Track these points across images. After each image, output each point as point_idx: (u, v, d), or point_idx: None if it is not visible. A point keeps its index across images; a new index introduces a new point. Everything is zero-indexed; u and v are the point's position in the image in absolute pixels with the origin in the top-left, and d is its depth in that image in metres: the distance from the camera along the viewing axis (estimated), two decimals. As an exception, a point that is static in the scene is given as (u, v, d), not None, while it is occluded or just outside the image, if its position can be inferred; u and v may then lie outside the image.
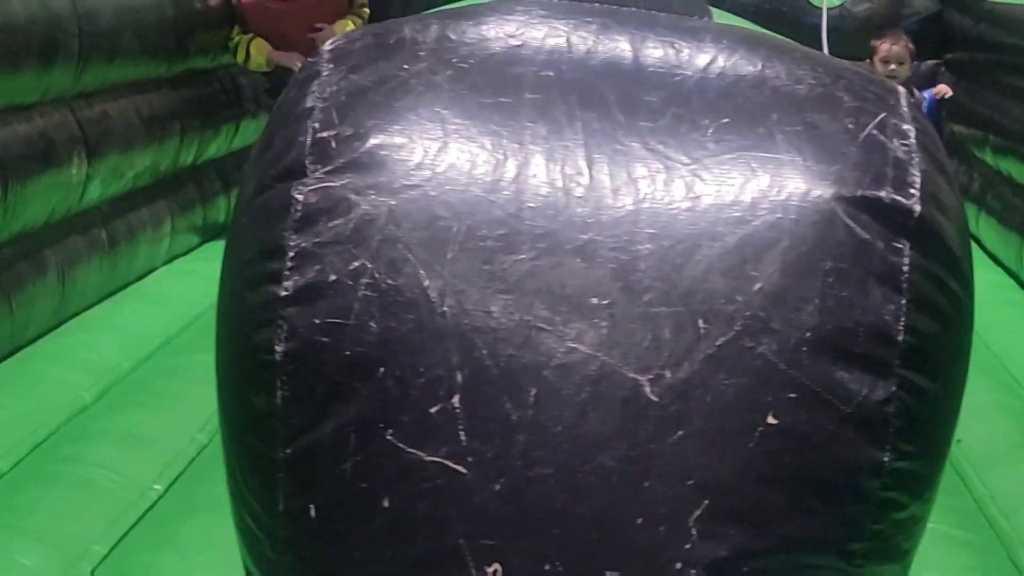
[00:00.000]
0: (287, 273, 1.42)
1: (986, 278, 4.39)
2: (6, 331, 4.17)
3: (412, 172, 1.36)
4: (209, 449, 3.80)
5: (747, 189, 1.39)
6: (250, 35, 5.51)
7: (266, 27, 5.49)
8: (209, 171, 5.65)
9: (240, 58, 5.50)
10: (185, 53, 5.37)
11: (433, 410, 1.42)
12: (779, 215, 1.40)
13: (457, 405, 1.42)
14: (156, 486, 3.57)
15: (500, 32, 1.45)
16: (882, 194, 1.41)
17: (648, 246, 1.37)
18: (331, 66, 1.43)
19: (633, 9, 1.55)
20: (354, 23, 5.45)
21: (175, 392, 4.07)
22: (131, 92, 5.09)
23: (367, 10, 5.57)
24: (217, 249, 5.70)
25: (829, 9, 6.15)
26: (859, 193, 1.41)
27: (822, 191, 1.41)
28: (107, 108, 4.89)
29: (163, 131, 5.19)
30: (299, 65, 5.45)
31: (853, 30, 6.64)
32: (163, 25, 5.20)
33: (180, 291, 4.91)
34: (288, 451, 1.45)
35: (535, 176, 1.36)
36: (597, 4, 1.53)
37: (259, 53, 5.49)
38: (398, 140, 1.37)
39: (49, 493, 3.47)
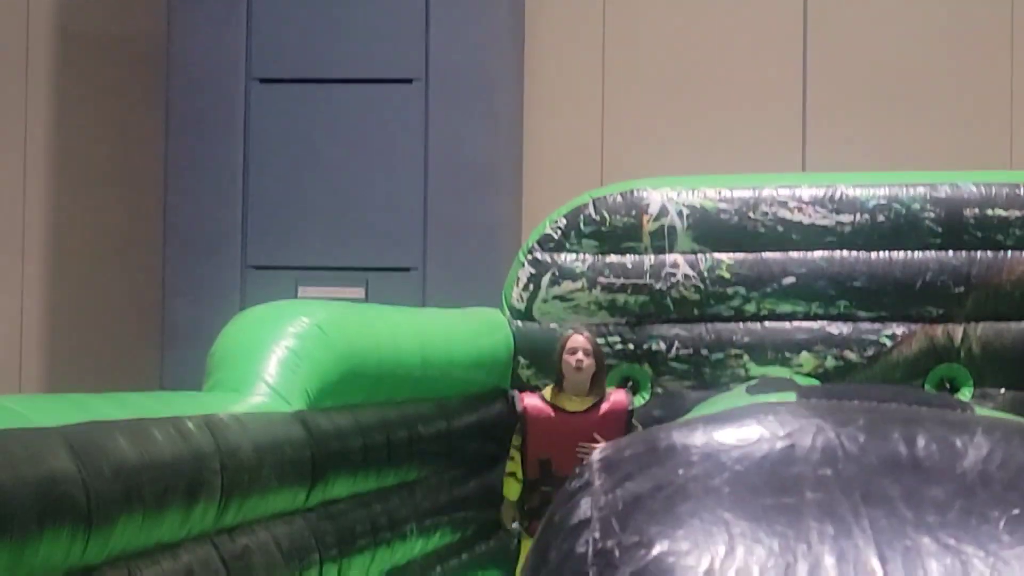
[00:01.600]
0: None
1: None
2: None
3: (702, 579, 1.36)
4: None
5: (1051, 581, 1.36)
6: (512, 469, 5.89)
7: (544, 434, 5.84)
8: (347, 603, 5.62)
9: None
10: (322, 484, 5.44)
11: None
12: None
13: None
14: None
15: (768, 433, 1.48)
16: None
17: (956, 646, 1.35)
18: (603, 475, 1.45)
19: (895, 405, 1.57)
20: None
21: None
22: (270, 525, 5.12)
23: None
24: None
25: None
26: None
27: None
28: (248, 542, 4.92)
29: (302, 563, 5.19)
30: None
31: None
32: (300, 458, 5.28)
33: None
34: None
35: (828, 577, 1.36)
36: (857, 403, 1.56)
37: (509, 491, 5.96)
38: (684, 546, 1.38)
39: None
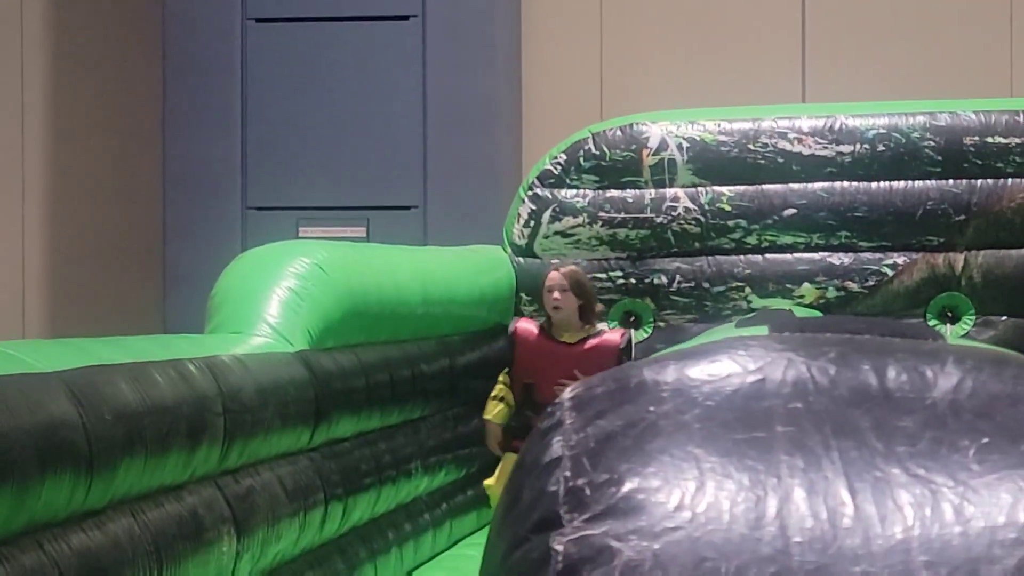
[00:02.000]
0: (554, 626, 1.40)
1: None
2: None
3: (672, 514, 1.37)
4: None
5: (1020, 509, 1.37)
6: (499, 392, 5.82)
7: (530, 358, 5.80)
8: (353, 540, 5.66)
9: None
10: (326, 424, 5.46)
11: None
12: (1057, 533, 1.37)
13: None
14: None
15: (739, 368, 1.49)
16: None
17: (925, 574, 1.35)
18: (574, 413, 1.46)
19: (867, 337, 1.57)
20: None
21: None
22: (274, 465, 5.15)
23: None
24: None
25: None
26: None
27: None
28: (252, 483, 4.95)
29: (307, 502, 5.23)
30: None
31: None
32: (304, 398, 5.31)
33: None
34: None
35: (798, 510, 1.36)
36: (829, 335, 1.56)
37: (496, 416, 5.91)
38: (654, 483, 1.39)
39: None
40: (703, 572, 1.39)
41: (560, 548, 1.41)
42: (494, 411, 6.01)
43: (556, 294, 5.82)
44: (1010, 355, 1.61)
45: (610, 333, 5.92)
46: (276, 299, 5.45)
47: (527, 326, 5.96)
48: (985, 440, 1.42)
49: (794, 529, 1.40)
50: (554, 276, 5.89)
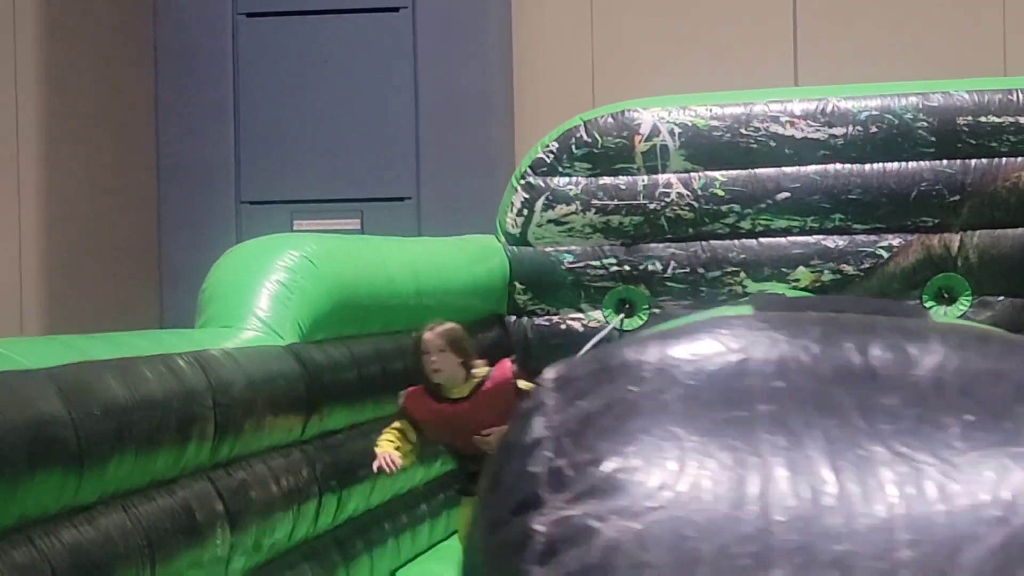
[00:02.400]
0: (534, 609, 1.39)
1: None
2: None
3: (653, 494, 1.36)
4: None
5: (1004, 486, 1.36)
6: (392, 439, 5.43)
7: (434, 426, 5.43)
8: (349, 532, 5.66)
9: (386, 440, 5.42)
10: (318, 416, 5.45)
11: None
12: (1042, 511, 1.36)
13: None
14: None
15: (721, 347, 1.48)
16: None
17: (908, 552, 1.34)
18: (556, 395, 1.45)
19: (851, 315, 1.57)
20: None
21: None
22: (267, 458, 5.14)
23: None
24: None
25: None
26: None
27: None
28: (245, 476, 4.94)
29: (301, 495, 5.22)
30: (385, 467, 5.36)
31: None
32: (294, 391, 5.30)
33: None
34: None
35: (780, 489, 1.35)
36: (813, 313, 1.55)
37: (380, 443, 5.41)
38: (635, 463, 1.38)
39: None
40: (684, 551, 1.38)
41: (540, 529, 1.40)
42: (385, 446, 5.36)
43: (434, 357, 5.43)
44: (994, 332, 1.60)
45: (497, 369, 5.49)
46: (266, 293, 5.44)
47: (416, 399, 5.51)
48: (969, 417, 1.41)
49: (776, 508, 1.39)
50: (428, 338, 5.39)
